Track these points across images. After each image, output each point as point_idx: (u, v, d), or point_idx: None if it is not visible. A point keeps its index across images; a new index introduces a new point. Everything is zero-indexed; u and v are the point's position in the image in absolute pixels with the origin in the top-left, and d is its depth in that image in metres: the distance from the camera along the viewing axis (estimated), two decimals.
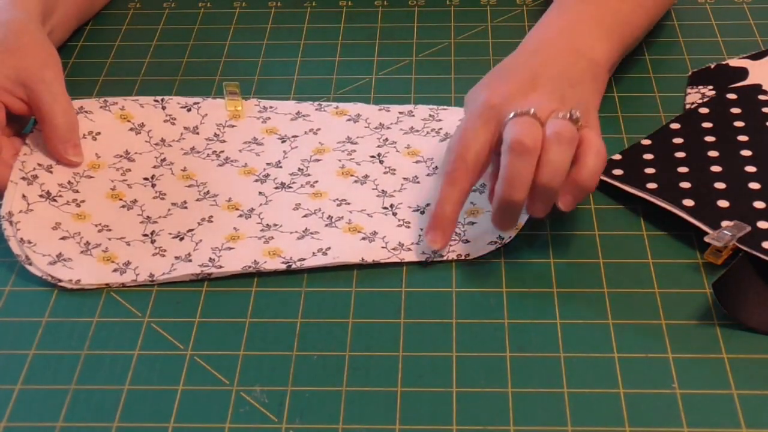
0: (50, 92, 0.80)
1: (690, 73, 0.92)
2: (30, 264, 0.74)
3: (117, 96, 0.87)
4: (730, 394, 0.65)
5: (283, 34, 0.99)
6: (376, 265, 0.74)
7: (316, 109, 0.88)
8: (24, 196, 0.78)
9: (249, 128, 0.86)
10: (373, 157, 0.83)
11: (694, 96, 0.89)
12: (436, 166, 0.82)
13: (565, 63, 0.78)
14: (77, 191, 0.80)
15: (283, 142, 0.85)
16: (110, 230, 0.77)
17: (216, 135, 0.86)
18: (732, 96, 0.87)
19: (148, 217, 0.78)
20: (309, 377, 0.67)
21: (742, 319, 0.69)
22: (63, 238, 0.76)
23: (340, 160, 0.83)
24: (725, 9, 1.00)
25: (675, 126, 0.84)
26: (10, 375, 0.68)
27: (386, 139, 0.85)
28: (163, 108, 0.87)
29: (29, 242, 0.75)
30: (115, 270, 0.74)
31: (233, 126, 0.87)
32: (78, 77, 0.94)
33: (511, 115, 0.72)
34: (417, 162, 0.83)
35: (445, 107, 0.87)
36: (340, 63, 0.95)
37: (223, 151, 0.84)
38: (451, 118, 0.86)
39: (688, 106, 0.87)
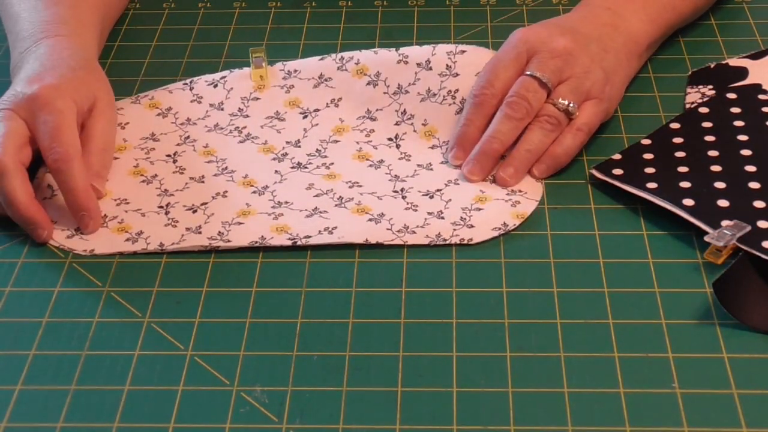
0: (105, 123, 0.83)
1: (690, 72, 0.92)
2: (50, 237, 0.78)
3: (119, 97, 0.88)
4: (730, 394, 0.65)
5: (283, 34, 0.99)
6: (376, 264, 0.74)
7: (338, 68, 0.89)
8: (49, 185, 0.81)
9: (272, 100, 0.88)
10: (390, 140, 0.85)
11: (694, 96, 0.89)
12: None
13: (603, 32, 0.85)
14: None
15: (304, 117, 0.87)
16: (128, 203, 0.81)
17: (240, 110, 0.88)
18: (732, 96, 0.87)
19: (165, 190, 0.82)
20: (309, 377, 0.67)
21: (742, 318, 0.69)
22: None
23: (357, 143, 0.85)
24: (725, 9, 1.00)
25: (675, 126, 0.84)
26: (10, 375, 0.68)
27: (404, 112, 0.86)
28: (191, 89, 0.89)
29: (51, 221, 0.78)
30: (127, 239, 0.77)
31: (257, 99, 0.89)
32: None
33: (528, 72, 0.81)
34: (433, 147, 0.84)
35: (464, 48, 0.88)
36: None
37: (245, 127, 0.87)
38: (468, 70, 0.86)
39: (688, 106, 0.87)
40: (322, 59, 0.90)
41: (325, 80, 0.89)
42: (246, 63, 0.91)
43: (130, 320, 0.71)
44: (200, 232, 0.77)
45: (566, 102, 0.81)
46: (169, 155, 0.85)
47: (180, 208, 0.80)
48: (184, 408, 0.65)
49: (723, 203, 0.76)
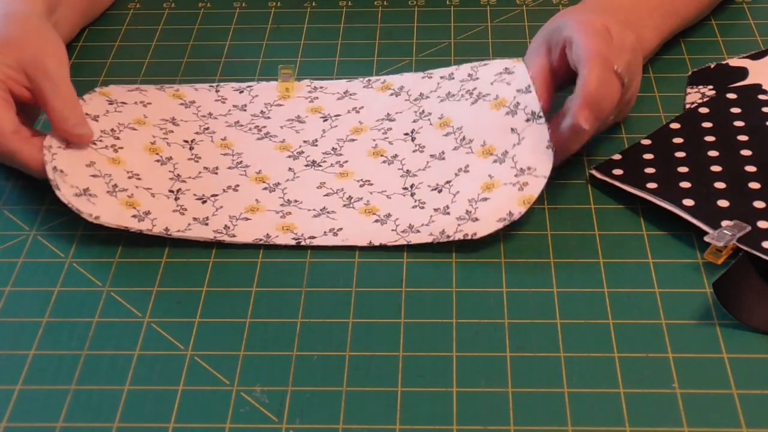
0: (50, 81, 0.80)
1: (690, 73, 0.92)
2: (58, 189, 0.77)
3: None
4: (730, 394, 0.65)
5: (283, 34, 0.99)
6: (376, 264, 0.74)
7: (364, 87, 0.90)
8: (59, 146, 0.81)
9: (295, 107, 0.89)
10: (406, 134, 0.85)
11: (694, 96, 0.89)
12: (464, 137, 0.83)
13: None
14: (118, 138, 0.83)
15: (324, 120, 0.87)
16: (140, 179, 0.80)
17: (262, 112, 0.88)
18: (732, 96, 0.87)
19: (178, 175, 0.82)
20: (309, 377, 0.67)
21: (742, 318, 0.69)
22: (93, 176, 0.79)
23: (374, 140, 0.85)
24: (725, 9, 1.00)
25: (675, 126, 0.84)
26: (10, 375, 0.68)
27: (423, 111, 0.86)
28: (217, 91, 0.90)
29: (61, 171, 0.78)
30: (134, 216, 0.77)
31: (281, 105, 0.89)
32: (78, 77, 0.93)
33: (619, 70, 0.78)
34: (447, 134, 0.84)
35: (485, 62, 0.87)
36: (340, 63, 0.95)
37: (265, 126, 0.87)
38: (487, 76, 0.85)
39: (688, 106, 0.87)
40: (349, 81, 0.91)
41: (350, 95, 0.90)
42: (244, 63, 0.91)
43: (130, 320, 0.71)
44: (207, 224, 0.77)
45: (626, 79, 0.79)
46: (186, 141, 0.85)
47: (190, 196, 0.80)
48: (184, 408, 0.65)
49: (723, 203, 0.76)
